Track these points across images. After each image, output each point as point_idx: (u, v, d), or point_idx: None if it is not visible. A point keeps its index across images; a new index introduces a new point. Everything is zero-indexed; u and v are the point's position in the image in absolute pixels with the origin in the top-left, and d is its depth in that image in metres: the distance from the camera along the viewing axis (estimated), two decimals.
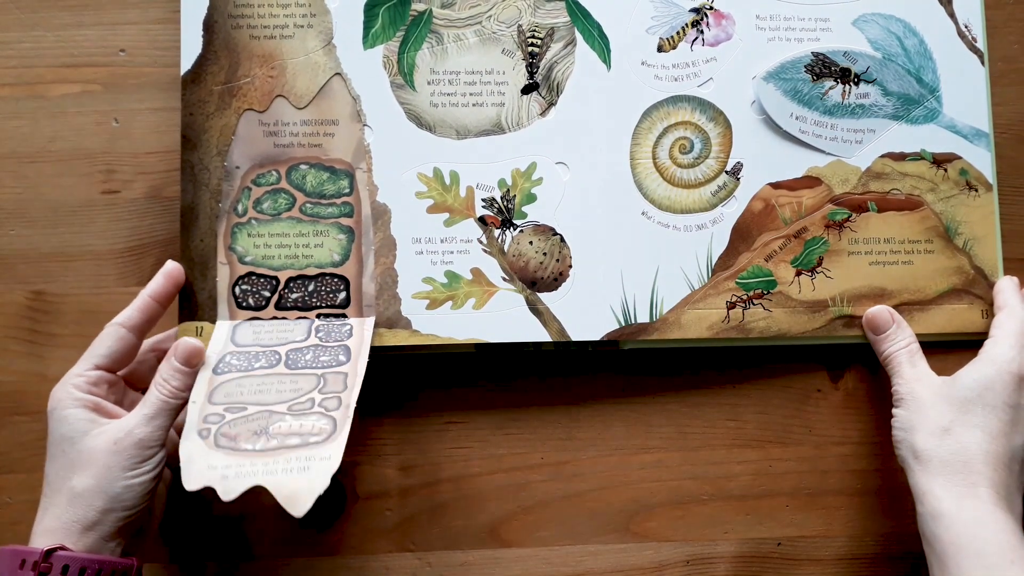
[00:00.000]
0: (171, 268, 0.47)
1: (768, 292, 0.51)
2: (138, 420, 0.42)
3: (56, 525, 0.41)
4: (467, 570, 0.51)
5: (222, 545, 0.50)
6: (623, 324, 0.50)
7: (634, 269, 0.51)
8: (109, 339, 0.45)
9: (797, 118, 0.52)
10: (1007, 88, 0.55)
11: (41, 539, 0.41)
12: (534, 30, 0.51)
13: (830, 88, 0.52)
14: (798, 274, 0.51)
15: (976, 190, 0.52)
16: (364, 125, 0.50)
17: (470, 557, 0.51)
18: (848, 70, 0.52)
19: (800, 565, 0.52)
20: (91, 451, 0.41)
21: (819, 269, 0.51)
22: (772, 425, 0.53)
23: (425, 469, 0.51)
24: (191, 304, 0.48)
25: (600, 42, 0.51)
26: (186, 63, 0.49)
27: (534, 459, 0.52)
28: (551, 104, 0.51)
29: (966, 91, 0.53)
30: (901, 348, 0.49)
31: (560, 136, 0.51)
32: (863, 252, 0.52)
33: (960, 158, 0.52)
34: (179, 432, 0.44)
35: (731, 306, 0.51)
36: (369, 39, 0.50)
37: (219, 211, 0.49)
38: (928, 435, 0.45)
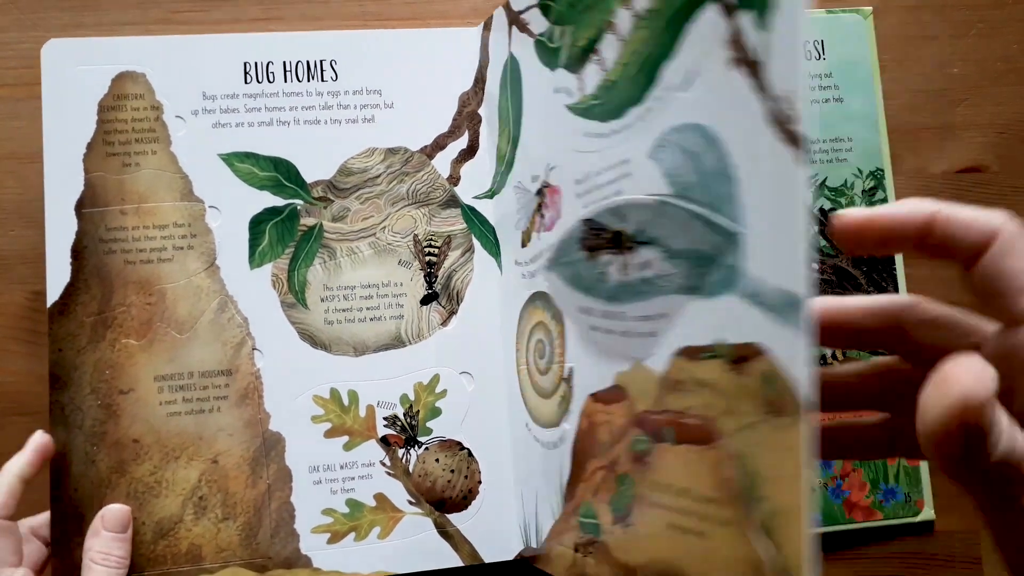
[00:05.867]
0: (41, 442, 0.43)
1: (597, 540, 0.39)
2: None
3: None
4: None
5: None
6: (526, 545, 0.48)
7: (528, 487, 0.47)
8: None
9: (585, 311, 0.39)
10: (1007, 88, 0.55)
11: None
12: (431, 239, 0.49)
13: (607, 264, 0.37)
14: (614, 522, 0.37)
15: (782, 415, 0.26)
16: (254, 349, 0.47)
17: None
18: (619, 233, 0.36)
19: None
20: None
21: (629, 520, 0.36)
22: None
23: None
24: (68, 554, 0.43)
25: (497, 247, 0.50)
26: (53, 294, 0.45)
27: None
28: (452, 313, 0.49)
29: (780, 214, 0.26)
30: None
31: (463, 345, 0.49)
32: (662, 506, 0.34)
33: (764, 353, 0.27)
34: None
35: (576, 549, 0.40)
36: (256, 258, 0.48)
37: (95, 455, 0.44)
38: None
